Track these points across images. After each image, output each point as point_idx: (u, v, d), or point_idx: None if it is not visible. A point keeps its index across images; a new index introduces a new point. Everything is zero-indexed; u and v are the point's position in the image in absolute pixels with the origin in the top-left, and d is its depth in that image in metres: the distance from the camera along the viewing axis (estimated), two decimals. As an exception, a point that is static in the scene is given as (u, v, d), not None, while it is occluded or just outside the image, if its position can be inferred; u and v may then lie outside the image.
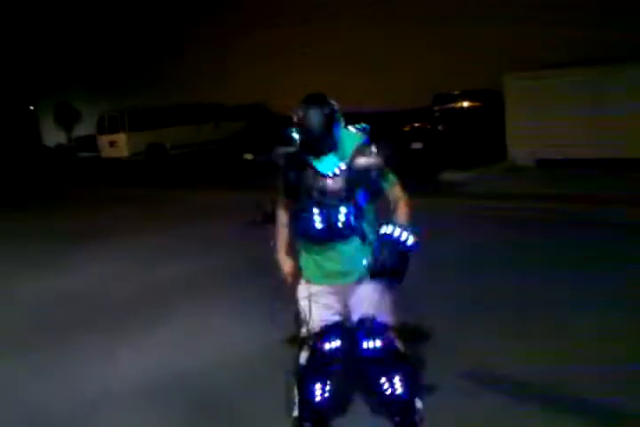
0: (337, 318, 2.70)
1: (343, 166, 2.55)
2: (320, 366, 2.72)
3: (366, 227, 2.59)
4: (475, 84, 13.79)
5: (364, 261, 2.54)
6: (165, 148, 18.77)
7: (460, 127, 11.80)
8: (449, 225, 6.79)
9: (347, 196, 2.53)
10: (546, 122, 9.81)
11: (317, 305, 2.65)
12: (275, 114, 18.67)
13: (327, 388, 2.79)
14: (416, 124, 12.26)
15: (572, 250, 5.43)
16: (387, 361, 2.69)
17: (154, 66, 26.07)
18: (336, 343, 2.69)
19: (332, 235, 2.56)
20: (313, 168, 2.57)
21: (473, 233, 6.39)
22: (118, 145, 18.48)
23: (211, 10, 23.10)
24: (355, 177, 2.52)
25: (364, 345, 2.66)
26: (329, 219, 2.53)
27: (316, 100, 2.49)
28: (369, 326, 2.62)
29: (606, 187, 7.87)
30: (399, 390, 2.75)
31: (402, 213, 2.59)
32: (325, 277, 2.65)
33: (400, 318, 2.77)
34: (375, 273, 2.49)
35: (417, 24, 17.08)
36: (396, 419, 2.84)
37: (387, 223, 2.51)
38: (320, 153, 2.53)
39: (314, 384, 2.75)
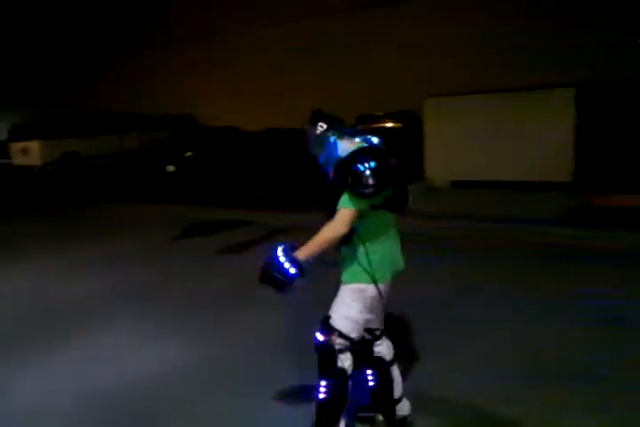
0: None
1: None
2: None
3: (356, 239, 2.67)
4: (397, 107, 14.34)
5: (353, 267, 2.70)
6: (82, 157, 18.05)
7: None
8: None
9: (332, 206, 2.66)
10: (459, 145, 10.36)
11: None
12: (202, 125, 18.50)
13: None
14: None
15: (483, 266, 5.77)
16: (320, 360, 2.75)
17: (78, 75, 25.17)
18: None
19: None
20: (326, 176, 2.79)
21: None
22: (31, 153, 17.63)
23: (138, 21, 22.66)
24: (333, 189, 2.67)
25: (315, 333, 2.77)
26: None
27: (310, 118, 2.76)
28: (322, 320, 2.76)
29: (510, 208, 8.38)
30: (320, 396, 2.75)
31: (312, 239, 2.60)
32: None
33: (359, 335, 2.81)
34: (260, 281, 2.66)
35: (345, 48, 17.58)
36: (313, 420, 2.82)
37: (284, 247, 2.62)
38: (322, 165, 2.77)
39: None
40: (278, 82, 18.87)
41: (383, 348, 2.93)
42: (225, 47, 20.18)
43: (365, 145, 2.74)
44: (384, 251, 2.74)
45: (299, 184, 11.67)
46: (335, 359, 2.73)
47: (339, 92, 16.94)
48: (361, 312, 2.71)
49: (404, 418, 2.99)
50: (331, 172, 2.72)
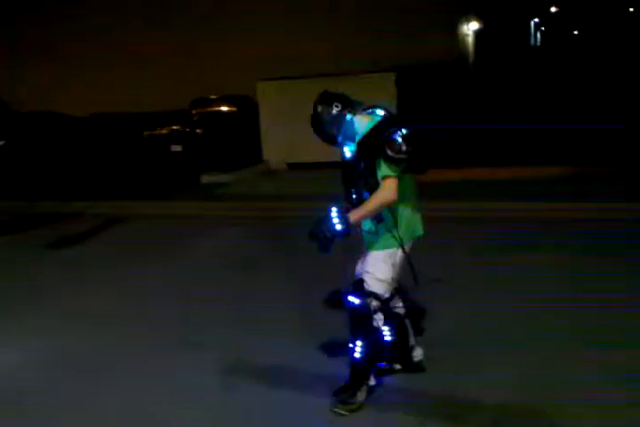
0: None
1: (349, 153, 2.90)
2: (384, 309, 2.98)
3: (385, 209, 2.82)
4: (233, 91, 14.30)
5: (385, 236, 2.86)
6: None
7: (218, 131, 12.06)
8: (210, 227, 6.94)
9: (353, 180, 2.87)
10: (292, 128, 10.58)
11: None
12: (13, 110, 16.69)
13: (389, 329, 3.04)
14: (175, 127, 12.15)
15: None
16: (355, 322, 2.94)
17: None
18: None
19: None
20: (342, 153, 2.96)
21: (231, 233, 6.63)
22: None
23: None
24: (355, 164, 2.83)
25: (348, 297, 2.95)
26: (349, 198, 2.93)
27: (321, 100, 2.91)
28: (355, 283, 2.95)
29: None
30: (357, 355, 2.92)
31: (364, 204, 2.80)
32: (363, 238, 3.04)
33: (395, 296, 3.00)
34: (309, 235, 2.83)
35: (186, 33, 17.02)
36: (344, 383, 3.00)
37: (338, 209, 2.80)
38: (329, 142, 2.92)
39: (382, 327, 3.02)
40: (108, 65, 17.68)
41: (397, 302, 3.10)
42: (48, 25, 18.29)
43: (378, 118, 2.86)
44: (409, 215, 2.93)
45: (128, 171, 11.14)
46: (371, 320, 2.93)
47: (172, 76, 16.40)
48: (391, 273, 2.93)
49: (420, 362, 3.23)
50: (346, 148, 2.90)
